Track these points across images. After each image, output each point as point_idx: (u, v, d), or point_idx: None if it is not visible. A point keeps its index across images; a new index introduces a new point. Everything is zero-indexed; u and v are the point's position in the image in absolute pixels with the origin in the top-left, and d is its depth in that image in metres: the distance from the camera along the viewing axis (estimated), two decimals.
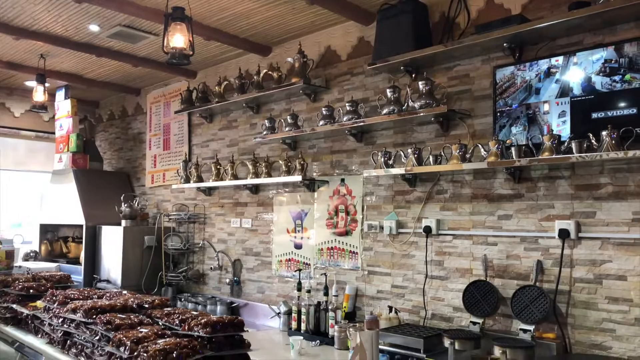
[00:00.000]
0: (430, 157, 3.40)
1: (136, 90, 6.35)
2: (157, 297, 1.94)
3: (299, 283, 4.17)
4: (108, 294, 2.10)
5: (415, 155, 3.46)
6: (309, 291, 4.08)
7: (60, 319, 1.88)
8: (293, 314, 4.10)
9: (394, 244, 3.79)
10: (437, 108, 3.38)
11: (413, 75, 3.72)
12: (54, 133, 6.59)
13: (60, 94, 6.18)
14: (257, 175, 4.58)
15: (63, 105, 6.18)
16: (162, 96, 6.00)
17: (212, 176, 4.97)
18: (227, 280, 4.96)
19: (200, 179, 5.16)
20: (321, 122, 4.03)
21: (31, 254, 5.61)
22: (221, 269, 5.11)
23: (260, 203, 4.85)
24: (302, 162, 4.20)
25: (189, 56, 3.45)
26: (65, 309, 1.87)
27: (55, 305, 2.00)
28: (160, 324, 1.70)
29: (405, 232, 3.74)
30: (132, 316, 1.71)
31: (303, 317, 4.01)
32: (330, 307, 3.91)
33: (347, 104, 3.87)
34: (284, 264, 4.58)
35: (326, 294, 3.99)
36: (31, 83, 5.92)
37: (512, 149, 3.01)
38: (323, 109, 4.04)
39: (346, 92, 4.19)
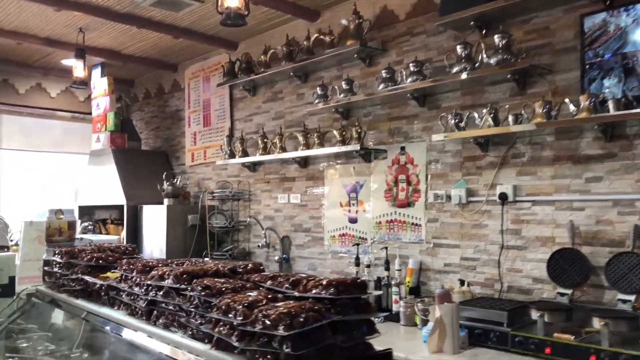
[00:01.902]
0: (510, 116, 3.12)
1: (173, 66, 6.16)
2: (248, 262, 1.73)
3: (357, 258, 3.95)
4: (188, 262, 1.89)
5: (492, 116, 3.18)
6: (368, 266, 3.86)
7: (144, 288, 1.68)
8: None
9: (463, 213, 3.54)
10: (517, 63, 3.09)
11: (483, 32, 3.43)
12: (89, 114, 6.47)
13: (96, 72, 6.03)
14: (308, 147, 4.34)
15: (99, 84, 6.03)
16: (201, 70, 5.80)
17: (259, 150, 4.75)
18: (276, 258, 4.77)
19: (245, 154, 4.95)
20: (381, 86, 3.77)
21: (89, 227, 5.47)
22: (269, 246, 4.92)
23: (309, 177, 4.62)
24: (358, 130, 3.96)
25: (244, 16, 3.23)
26: (149, 275, 1.66)
27: (135, 273, 1.80)
28: (265, 287, 1.48)
29: (477, 201, 3.47)
30: (229, 280, 1.50)
31: None
32: (393, 282, 3.68)
33: (410, 65, 3.60)
34: (337, 240, 4.36)
35: (387, 269, 3.76)
36: (68, 62, 5.78)
37: (610, 102, 2.71)
38: (383, 71, 3.77)
39: (405, 54, 3.91)
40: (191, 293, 1.49)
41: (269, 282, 1.49)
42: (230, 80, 5.05)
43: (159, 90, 6.53)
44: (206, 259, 1.96)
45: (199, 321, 1.44)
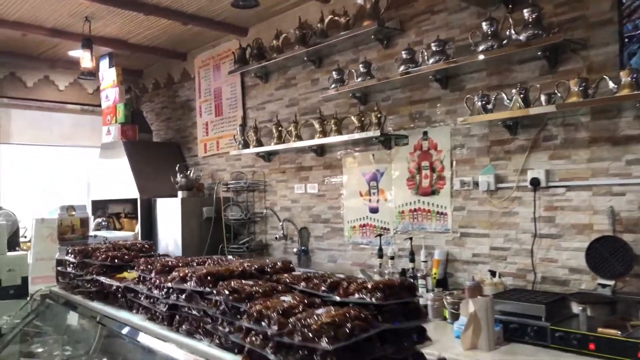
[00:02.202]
0: (542, 96, 2.93)
1: (182, 54, 6.00)
2: (276, 260, 1.59)
3: (380, 249, 3.80)
4: (210, 260, 1.75)
5: (522, 96, 2.99)
6: (392, 258, 3.70)
7: (164, 290, 1.53)
8: None
9: (492, 201, 3.36)
10: (549, 38, 2.89)
11: (510, 6, 3.22)
12: (99, 106, 6.34)
13: (104, 63, 5.88)
14: (324, 134, 4.18)
15: (108, 75, 5.89)
16: (211, 58, 5.63)
17: (274, 139, 4.60)
18: (295, 250, 4.63)
19: (260, 143, 4.79)
20: (401, 68, 3.58)
21: (102, 223, 5.33)
22: (286, 238, 4.78)
23: (326, 166, 4.46)
24: (378, 115, 3.78)
25: None
26: (169, 277, 1.52)
27: (154, 274, 1.66)
28: (299, 290, 1.33)
29: (506, 187, 3.29)
30: (259, 283, 1.36)
31: None
32: (419, 275, 3.53)
33: (432, 44, 3.41)
34: (358, 230, 4.20)
35: (412, 260, 3.61)
36: (75, 53, 5.64)
37: None
38: (403, 52, 3.58)
39: (425, 33, 3.72)
40: (217, 297, 1.35)
41: (302, 284, 1.35)
42: (241, 67, 4.88)
43: (168, 80, 6.38)
44: (229, 256, 1.81)
45: (227, 329, 1.30)
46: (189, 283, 1.42)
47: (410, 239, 3.65)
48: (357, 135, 3.88)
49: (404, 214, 3.87)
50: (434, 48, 3.40)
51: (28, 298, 2.50)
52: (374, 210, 4.08)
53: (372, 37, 3.90)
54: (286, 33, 4.49)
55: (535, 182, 3.11)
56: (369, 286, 1.16)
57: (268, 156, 4.95)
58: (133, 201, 5.58)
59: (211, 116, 5.68)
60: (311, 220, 4.60)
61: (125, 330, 1.74)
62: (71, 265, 2.19)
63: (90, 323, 2.14)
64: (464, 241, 3.52)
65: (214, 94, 5.62)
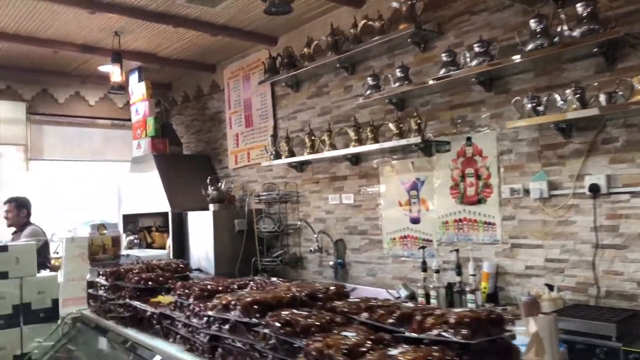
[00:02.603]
0: (601, 95, 2.70)
1: (211, 66, 5.93)
2: (327, 284, 1.42)
3: (424, 263, 3.59)
4: (253, 283, 1.60)
5: (577, 96, 2.77)
6: (437, 271, 3.49)
7: (205, 319, 1.38)
8: (419, 298, 3.52)
9: (545, 209, 3.13)
10: (607, 33, 2.67)
11: (559, 2, 3.00)
12: (129, 120, 6.31)
13: (133, 77, 5.85)
14: (360, 142, 4.01)
15: (137, 89, 5.85)
16: (240, 69, 5.54)
17: (306, 149, 4.45)
18: (331, 263, 4.45)
19: (292, 154, 4.65)
20: (442, 71, 3.39)
21: (135, 241, 5.21)
22: (321, 250, 4.61)
23: (362, 175, 4.29)
24: (418, 121, 3.59)
25: (290, 2, 2.93)
26: (211, 305, 1.37)
27: (192, 300, 1.51)
28: (359, 322, 1.16)
29: (561, 194, 3.06)
30: (314, 313, 1.19)
31: (433, 301, 3.43)
32: (467, 289, 3.31)
33: (475, 45, 3.22)
34: (398, 242, 4.01)
35: (459, 273, 3.40)
36: (105, 68, 5.63)
37: None
38: (443, 55, 3.40)
39: (465, 35, 3.53)
40: (266, 330, 1.19)
41: (364, 315, 1.18)
42: (271, 76, 4.77)
43: (197, 93, 6.31)
44: (273, 278, 1.64)
45: None
46: (232, 312, 1.27)
47: (457, 250, 3.44)
48: (395, 143, 3.70)
49: (447, 225, 3.66)
50: (476, 49, 3.21)
51: (59, 322, 2.39)
52: (415, 221, 3.88)
53: (409, 40, 3.74)
54: (317, 40, 4.35)
55: (594, 189, 2.87)
56: (451, 320, 0.98)
57: (300, 166, 4.81)
58: (164, 215, 5.50)
59: (241, 127, 5.57)
60: (347, 231, 4.43)
61: None
62: (102, 288, 2.06)
63: (123, 350, 2.01)
64: (515, 252, 3.29)
65: (244, 105, 5.52)
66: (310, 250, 4.60)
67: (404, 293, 3.72)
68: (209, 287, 1.56)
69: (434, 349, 0.92)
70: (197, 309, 1.44)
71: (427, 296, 3.48)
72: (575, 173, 2.99)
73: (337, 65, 4.28)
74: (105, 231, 2.34)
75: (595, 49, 2.79)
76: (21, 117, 5.86)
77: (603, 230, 2.88)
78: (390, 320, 1.11)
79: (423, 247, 3.66)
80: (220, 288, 1.56)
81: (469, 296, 3.27)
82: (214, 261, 4.93)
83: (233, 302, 1.28)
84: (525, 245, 3.24)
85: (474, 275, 3.32)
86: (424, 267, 3.58)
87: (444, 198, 3.68)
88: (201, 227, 5.13)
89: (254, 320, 1.21)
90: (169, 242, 5.38)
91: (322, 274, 4.66)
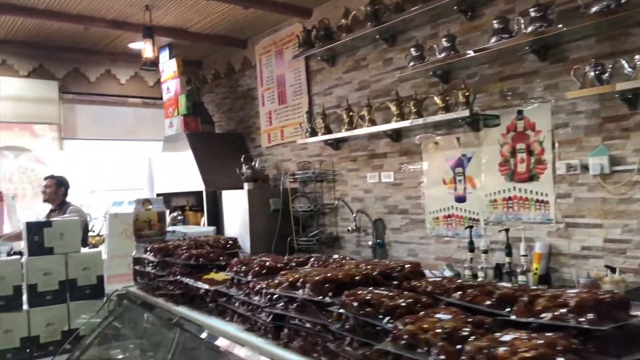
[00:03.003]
0: None
1: (242, 42, 5.79)
2: (400, 262, 1.30)
3: (471, 243, 3.44)
4: (315, 260, 1.48)
5: None
6: (485, 252, 3.34)
7: (267, 297, 1.27)
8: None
9: (605, 186, 2.93)
10: None
11: None
12: (160, 98, 6.25)
13: (164, 55, 5.75)
14: (402, 117, 3.84)
15: (168, 66, 5.75)
16: (273, 44, 5.39)
17: (344, 125, 4.30)
18: (370, 243, 4.33)
19: (328, 130, 4.51)
20: (493, 39, 3.18)
21: (178, 218, 5.12)
22: (359, 230, 4.49)
23: (403, 152, 4.12)
24: (466, 94, 3.40)
25: None
26: (275, 282, 1.25)
27: (250, 277, 1.40)
28: (448, 303, 1.04)
29: (624, 170, 2.86)
30: (393, 292, 1.07)
31: None
32: (518, 270, 3.16)
33: (531, 10, 2.99)
34: (442, 221, 3.85)
35: (509, 254, 3.25)
36: (135, 45, 5.55)
37: None
38: (494, 22, 3.19)
39: (517, 0, 3.30)
40: (342, 310, 1.07)
41: (456, 295, 1.04)
42: (306, 50, 4.60)
43: (228, 70, 6.19)
44: (335, 256, 1.51)
45: (361, 351, 1.02)
46: (301, 290, 1.15)
47: (506, 230, 3.27)
48: (441, 117, 3.52)
49: (496, 203, 3.49)
50: (532, 14, 2.99)
51: (105, 299, 2.33)
52: (461, 200, 3.71)
53: (455, 7, 3.53)
54: (355, 11, 4.17)
55: None
56: (572, 303, 0.84)
57: (337, 144, 4.66)
58: (197, 194, 5.45)
59: (274, 105, 5.44)
60: (387, 211, 4.29)
61: (219, 342, 1.49)
62: (150, 265, 1.98)
63: (170, 328, 1.94)
64: (570, 232, 3.10)
65: (277, 82, 5.38)
66: (348, 230, 4.48)
67: (448, 274, 3.57)
68: (267, 264, 1.44)
69: (556, 336, 0.78)
70: (258, 286, 1.33)
71: (475, 277, 3.34)
72: None
73: (377, 36, 4.10)
74: (150, 206, 2.25)
75: None
76: (54, 96, 5.84)
77: None
78: (489, 302, 0.98)
79: (470, 227, 3.50)
80: (279, 265, 1.45)
81: (520, 277, 3.12)
82: (249, 240, 4.85)
83: (301, 280, 1.16)
84: (582, 224, 3.06)
85: (525, 255, 3.15)
86: (471, 248, 3.44)
87: (492, 175, 3.50)
88: (236, 206, 5.06)
89: (327, 299, 1.09)
90: (204, 221, 5.33)
91: (361, 254, 4.54)
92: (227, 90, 6.26)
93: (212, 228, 2.49)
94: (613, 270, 2.76)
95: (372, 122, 4.06)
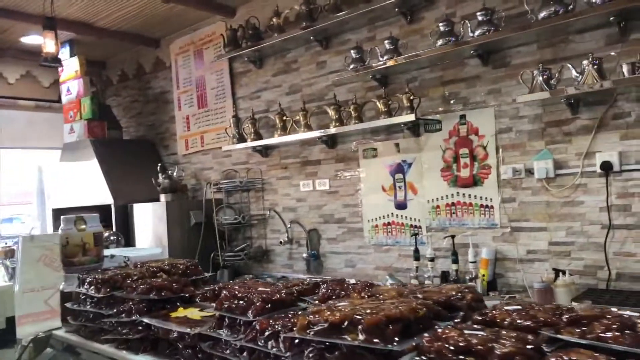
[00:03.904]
0: (624, 66, 2.54)
1: (155, 41, 5.32)
2: (454, 287, 1.05)
3: (416, 251, 3.34)
4: (329, 286, 1.18)
5: (595, 67, 2.59)
6: (432, 259, 3.25)
7: (291, 344, 0.96)
8: None
9: (550, 189, 2.96)
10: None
11: None
12: (57, 101, 5.57)
13: (64, 52, 5.11)
14: (341, 122, 3.67)
15: (69, 65, 5.13)
16: (191, 44, 4.99)
17: (277, 130, 4.04)
18: (304, 255, 4.09)
19: (259, 136, 4.22)
20: (439, 42, 3.12)
21: (112, 238, 4.33)
22: (292, 242, 4.24)
23: (339, 159, 3.95)
24: (410, 97, 3.30)
25: None
26: (303, 322, 0.93)
27: (252, 314, 1.08)
28: (562, 344, 0.83)
29: (568, 174, 2.90)
30: (486, 330, 0.83)
31: None
32: (467, 277, 3.10)
33: (478, 14, 2.97)
34: (381, 229, 3.72)
35: (456, 261, 3.18)
36: (29, 39, 4.88)
37: None
38: (440, 24, 3.12)
39: (459, 5, 3.28)
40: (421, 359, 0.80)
41: (573, 331, 0.83)
42: (232, 50, 4.29)
43: (138, 71, 5.66)
44: (351, 280, 1.23)
45: None
46: (348, 334, 0.86)
47: (452, 236, 3.21)
48: (385, 122, 3.40)
49: (439, 209, 3.42)
50: (480, 18, 2.96)
51: (18, 347, 1.83)
52: (401, 206, 3.61)
53: (396, 10, 3.43)
54: (288, 10, 3.94)
55: (606, 166, 2.73)
56: None
57: (266, 151, 4.39)
58: (104, 208, 4.86)
59: (193, 108, 5.04)
60: (322, 220, 4.08)
61: None
62: (90, 302, 1.55)
63: None
64: (515, 237, 3.11)
65: (195, 84, 4.99)
66: (281, 242, 4.21)
67: (390, 283, 3.45)
68: (271, 296, 1.13)
69: None
70: (268, 328, 1.02)
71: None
72: (584, 151, 2.83)
73: (311, 37, 3.90)
74: (84, 226, 1.81)
75: (612, 18, 2.63)
76: None
77: (614, 210, 2.75)
78: (604, 332, 0.79)
79: (415, 235, 3.40)
80: (285, 297, 1.15)
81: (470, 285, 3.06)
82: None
83: (349, 320, 0.87)
84: (527, 228, 3.07)
85: (474, 262, 3.10)
86: (417, 256, 3.34)
87: (434, 181, 3.44)
88: (151, 220, 4.58)
89: (395, 346, 0.81)
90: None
91: (293, 267, 4.29)
92: (136, 92, 5.72)
93: (158, 250, 2.08)
94: (561, 273, 2.78)
95: (308, 128, 3.85)
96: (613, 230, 2.75)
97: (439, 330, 0.85)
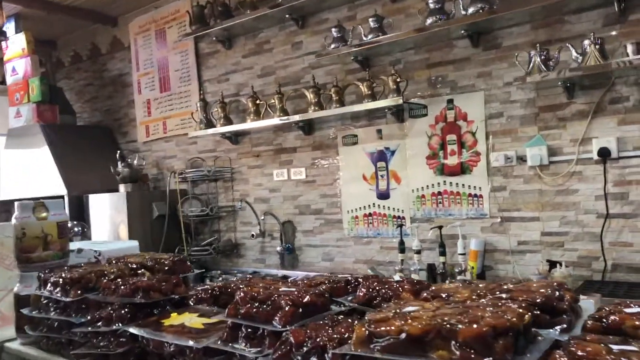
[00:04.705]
0: (629, 46, 2.42)
1: (112, 19, 4.91)
2: (543, 282, 0.85)
3: (401, 243, 3.15)
4: (368, 285, 0.94)
5: (597, 47, 2.46)
6: (418, 252, 3.07)
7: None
8: None
9: (543, 177, 2.83)
10: None
11: None
12: (1, 82, 5.07)
13: (9, 27, 4.64)
14: (321, 106, 3.43)
15: (15, 42, 4.65)
16: (153, 22, 4.62)
17: (250, 115, 3.76)
18: (278, 249, 3.84)
19: (229, 121, 3.93)
20: (429, 21, 2.93)
21: (76, 229, 3.84)
22: (264, 235, 3.98)
23: (316, 146, 3.72)
24: (397, 79, 3.10)
25: None
26: (359, 333, 0.69)
27: (280, 323, 0.82)
28: None
29: (562, 161, 2.78)
30: (615, 339, 0.62)
31: None
32: (457, 270, 2.94)
33: None
34: (362, 221, 3.52)
35: (443, 253, 3.01)
36: None
37: None
38: (430, 1, 2.93)
39: None
40: None
41: None
42: (200, 29, 3.97)
43: (92, 52, 5.22)
44: (396, 276, 0.99)
45: None
46: (434, 352, 0.63)
47: (440, 227, 3.04)
48: (370, 105, 3.18)
49: (424, 199, 3.25)
50: None
51: None
52: (384, 196, 3.42)
53: None
54: None
55: (604, 153, 2.62)
56: None
57: (236, 137, 4.10)
58: (57, 199, 4.45)
59: (154, 92, 4.68)
60: (297, 211, 3.84)
61: None
62: (56, 307, 1.24)
63: None
64: (506, 227, 2.97)
65: (157, 66, 4.63)
66: (252, 235, 3.94)
67: None
68: (294, 298, 0.88)
69: None
70: (307, 340, 0.77)
71: None
72: (579, 137, 2.71)
73: (287, 16, 3.64)
74: (45, 213, 1.49)
75: None
76: None
77: (610, 198, 2.64)
78: None
79: (401, 226, 3.21)
80: (314, 298, 0.90)
81: (460, 278, 2.90)
82: None
83: (435, 330, 0.64)
84: (519, 218, 2.94)
85: (463, 254, 2.94)
86: (402, 248, 3.15)
87: (419, 169, 3.26)
88: (110, 212, 4.21)
89: None
90: None
91: (265, 262, 4.03)
92: (90, 75, 5.29)
93: (134, 243, 1.79)
94: (554, 264, 2.66)
95: (284, 112, 3.59)
96: (609, 220, 2.65)
97: (572, 345, 0.64)
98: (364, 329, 0.70)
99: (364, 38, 3.16)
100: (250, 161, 4.08)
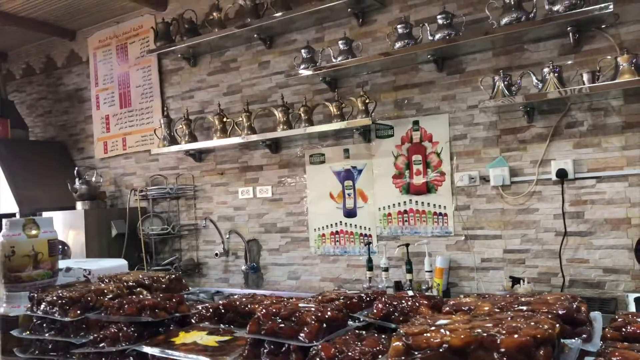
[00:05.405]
0: (584, 75, 2.59)
1: (70, 32, 4.78)
2: (558, 294, 0.88)
3: (370, 260, 3.19)
4: (387, 301, 0.95)
5: (555, 75, 2.62)
6: (386, 269, 3.13)
7: None
8: None
9: (505, 197, 2.96)
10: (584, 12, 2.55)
11: None
12: None
13: None
14: (289, 125, 3.46)
15: None
16: (114, 37, 4.54)
17: (216, 133, 3.74)
18: (243, 268, 3.80)
19: (193, 138, 3.89)
20: (397, 44, 3.03)
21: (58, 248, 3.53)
22: (228, 254, 3.93)
23: (283, 164, 3.73)
24: (366, 100, 3.18)
25: None
26: (399, 346, 0.70)
27: (306, 339, 0.81)
28: None
29: (523, 181, 2.92)
30: None
31: None
32: (424, 287, 3.00)
33: (438, 17, 2.91)
34: (329, 239, 3.55)
35: (410, 270, 3.08)
36: None
37: None
38: (398, 26, 3.03)
39: (413, 9, 3.22)
40: None
41: None
42: (165, 45, 3.93)
43: (47, 65, 5.06)
44: (409, 291, 1.02)
45: None
46: None
47: (407, 245, 3.11)
48: (338, 125, 3.24)
49: (390, 217, 3.32)
50: (440, 21, 2.91)
51: None
52: (351, 214, 3.46)
53: (349, 10, 3.31)
54: (230, 4, 3.69)
55: (562, 174, 2.77)
56: None
57: (199, 155, 4.06)
58: (8, 217, 4.23)
59: (114, 108, 4.57)
60: (263, 230, 3.82)
61: None
62: (51, 328, 1.17)
63: None
64: (470, 245, 3.07)
65: (118, 81, 4.53)
66: (216, 254, 3.88)
67: None
68: (319, 313, 0.88)
69: None
70: (337, 355, 0.77)
71: None
72: (539, 159, 2.86)
73: (255, 35, 3.66)
74: (36, 231, 1.41)
75: (569, 28, 2.68)
76: None
77: (567, 217, 2.79)
78: None
79: (369, 244, 3.25)
80: (335, 313, 0.90)
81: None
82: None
83: (478, 341, 0.66)
84: (482, 236, 3.04)
85: (430, 271, 3.02)
86: (370, 266, 3.19)
87: (386, 188, 3.33)
88: (66, 230, 4.05)
89: None
90: None
91: (229, 281, 3.97)
92: (44, 89, 5.11)
93: (123, 261, 1.73)
94: (517, 280, 2.77)
95: (252, 130, 3.59)
96: (567, 237, 2.79)
97: (611, 353, 0.68)
98: (400, 342, 0.71)
99: (333, 60, 3.23)
100: (214, 179, 4.04)
